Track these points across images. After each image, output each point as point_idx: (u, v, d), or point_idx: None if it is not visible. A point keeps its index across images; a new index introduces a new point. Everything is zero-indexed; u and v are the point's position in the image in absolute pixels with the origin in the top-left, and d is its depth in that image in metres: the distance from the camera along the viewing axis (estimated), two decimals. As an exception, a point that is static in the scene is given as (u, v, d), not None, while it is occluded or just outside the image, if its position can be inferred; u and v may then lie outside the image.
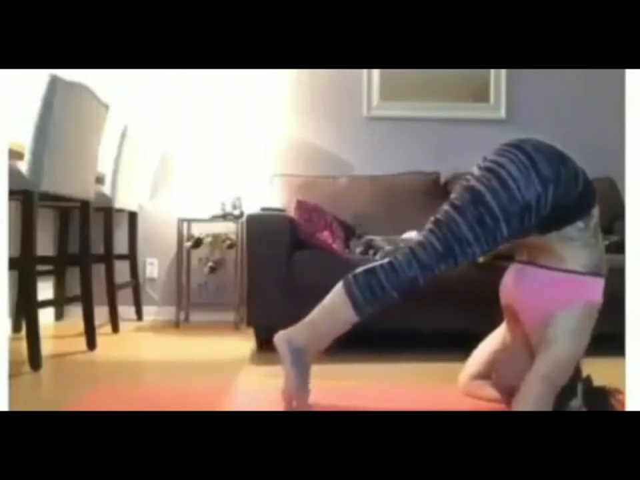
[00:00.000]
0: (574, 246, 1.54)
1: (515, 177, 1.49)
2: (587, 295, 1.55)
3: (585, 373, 1.59)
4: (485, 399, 1.76)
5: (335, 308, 1.60)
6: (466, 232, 1.50)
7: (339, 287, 1.60)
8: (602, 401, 1.54)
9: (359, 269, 1.59)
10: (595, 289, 1.57)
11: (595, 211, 1.57)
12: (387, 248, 2.59)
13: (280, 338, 1.64)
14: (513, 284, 1.66)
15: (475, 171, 1.58)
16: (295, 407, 1.61)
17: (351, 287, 1.56)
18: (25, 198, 2.18)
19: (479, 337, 1.86)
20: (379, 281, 1.54)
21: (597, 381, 1.59)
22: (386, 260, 1.57)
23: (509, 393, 1.58)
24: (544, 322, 1.55)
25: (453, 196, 1.58)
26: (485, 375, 1.78)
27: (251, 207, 3.19)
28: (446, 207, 1.56)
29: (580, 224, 1.54)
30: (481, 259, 2.52)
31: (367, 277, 1.56)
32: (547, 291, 1.56)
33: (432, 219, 1.57)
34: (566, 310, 1.53)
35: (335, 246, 2.63)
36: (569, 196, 1.51)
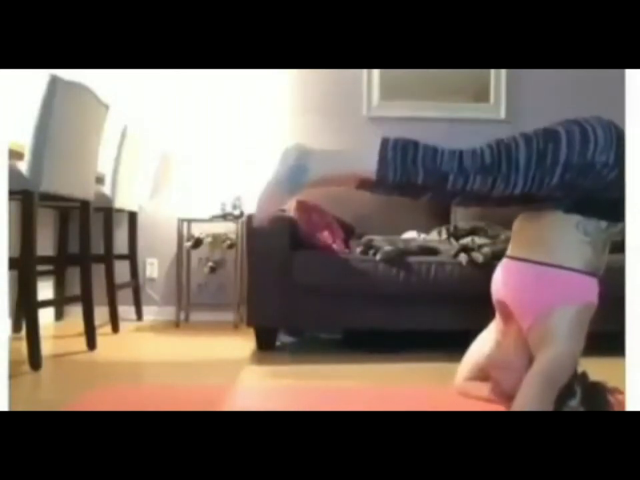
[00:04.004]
0: (579, 241, 1.52)
1: (597, 135, 1.44)
2: (585, 293, 1.55)
3: (580, 370, 1.58)
4: (482, 399, 1.74)
5: (362, 151, 1.51)
6: (521, 157, 1.43)
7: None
8: (599, 396, 1.51)
9: (403, 138, 1.50)
10: (592, 290, 1.56)
11: (622, 226, 1.51)
12: (387, 248, 2.59)
13: (289, 149, 1.51)
14: (507, 280, 1.64)
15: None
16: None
17: (387, 142, 1.48)
18: (25, 198, 2.18)
19: (478, 337, 1.85)
20: (415, 154, 1.46)
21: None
22: (431, 143, 1.50)
23: (508, 399, 1.55)
24: (542, 319, 1.53)
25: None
26: (480, 375, 1.77)
27: (251, 207, 3.18)
28: (515, 134, 1.49)
29: (603, 224, 1.52)
30: (480, 259, 2.53)
31: (408, 144, 1.48)
32: (544, 288, 1.55)
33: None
34: (565, 307, 1.52)
35: (334, 246, 2.62)
36: (622, 190, 1.48)
